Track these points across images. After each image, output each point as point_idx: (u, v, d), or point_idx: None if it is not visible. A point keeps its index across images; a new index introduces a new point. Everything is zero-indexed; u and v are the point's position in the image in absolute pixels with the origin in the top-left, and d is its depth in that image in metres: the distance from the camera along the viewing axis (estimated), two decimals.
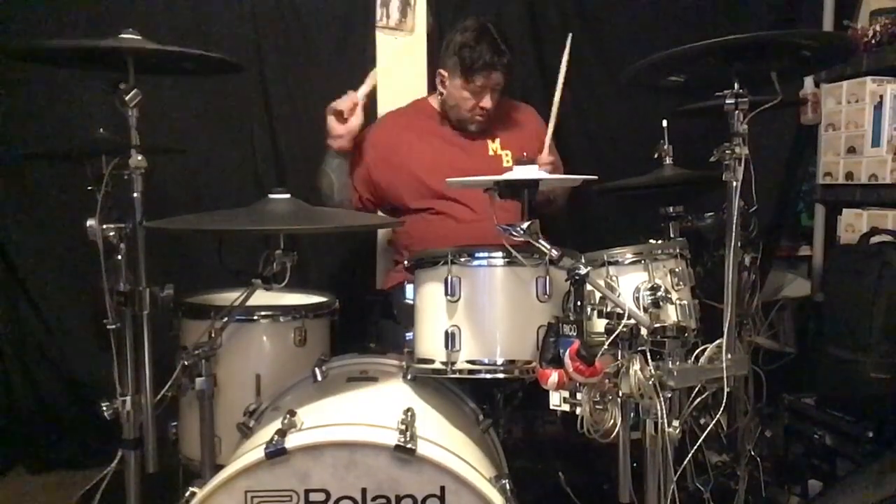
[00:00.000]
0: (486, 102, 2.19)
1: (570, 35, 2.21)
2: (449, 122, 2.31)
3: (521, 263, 1.46)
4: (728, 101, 1.47)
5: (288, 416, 1.37)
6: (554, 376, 1.33)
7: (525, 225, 1.39)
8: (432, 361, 1.52)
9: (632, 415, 1.44)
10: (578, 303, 1.36)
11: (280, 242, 1.51)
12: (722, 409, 1.47)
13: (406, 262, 1.63)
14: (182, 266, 2.50)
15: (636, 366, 1.37)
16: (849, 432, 2.09)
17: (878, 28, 2.59)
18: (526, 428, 2.10)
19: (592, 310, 1.43)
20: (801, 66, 1.75)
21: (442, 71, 2.25)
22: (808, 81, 2.81)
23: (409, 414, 1.38)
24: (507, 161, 2.26)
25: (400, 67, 2.75)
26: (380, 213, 2.37)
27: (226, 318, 1.62)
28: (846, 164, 2.65)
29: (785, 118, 2.82)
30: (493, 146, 2.29)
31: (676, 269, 1.65)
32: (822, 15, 2.86)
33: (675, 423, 1.40)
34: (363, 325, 2.38)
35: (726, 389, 1.42)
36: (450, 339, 1.48)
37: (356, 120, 2.16)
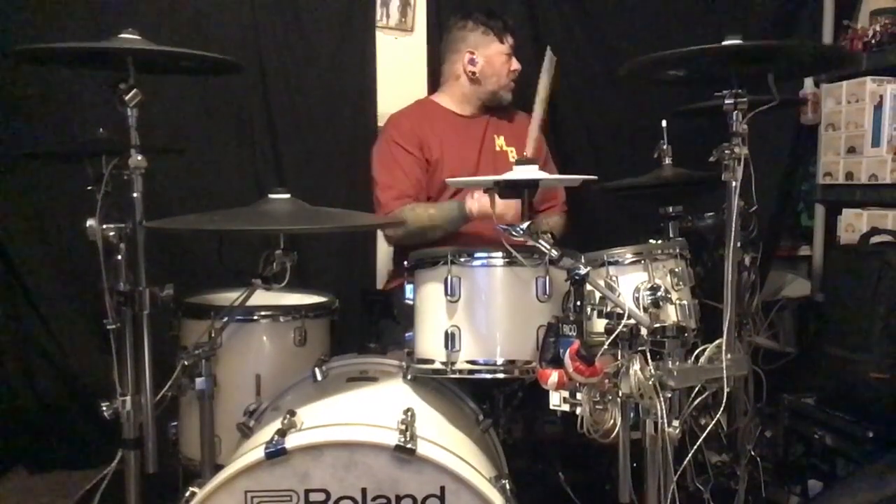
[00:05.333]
0: (517, 64, 2.34)
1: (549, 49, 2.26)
2: (461, 115, 2.37)
3: (521, 263, 1.46)
4: (727, 101, 1.47)
5: (288, 416, 1.37)
6: (554, 376, 1.33)
7: (525, 225, 1.39)
8: (432, 361, 1.52)
9: (632, 415, 1.44)
10: (578, 303, 1.36)
11: (280, 242, 1.51)
12: (722, 409, 1.47)
13: (406, 263, 1.63)
14: (182, 266, 2.51)
15: (636, 366, 1.37)
16: (849, 432, 2.09)
17: (878, 28, 2.59)
18: (526, 428, 2.09)
19: (592, 310, 1.42)
20: (800, 69, 1.76)
21: (470, 50, 2.32)
22: (808, 81, 2.81)
23: (409, 414, 1.38)
24: (513, 156, 2.33)
25: (400, 67, 2.76)
26: None
27: (226, 318, 1.63)
28: (846, 164, 2.65)
29: (785, 118, 2.82)
30: (499, 142, 2.35)
31: (676, 269, 1.65)
32: (822, 15, 2.86)
33: (675, 423, 1.39)
34: (363, 325, 2.39)
35: (726, 389, 1.42)
36: (450, 339, 1.48)
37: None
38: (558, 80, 2.29)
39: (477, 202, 2.07)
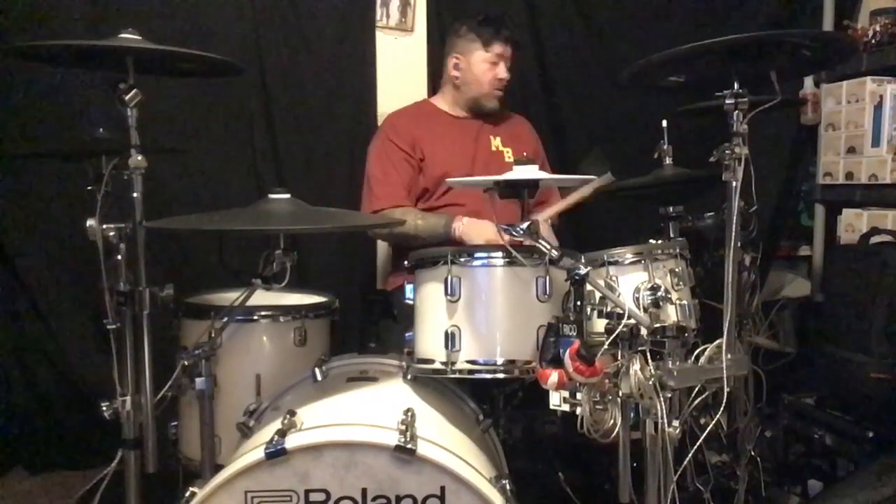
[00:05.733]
0: (503, 73, 2.31)
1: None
2: (456, 117, 2.38)
3: (521, 263, 1.46)
4: (728, 101, 1.47)
5: (288, 416, 1.37)
6: (554, 376, 1.33)
7: (525, 225, 1.39)
8: (432, 361, 1.52)
9: (632, 415, 1.44)
10: (578, 303, 1.36)
11: (280, 242, 1.51)
12: (722, 409, 1.46)
13: (406, 262, 1.63)
14: (182, 266, 2.51)
15: (636, 366, 1.38)
16: (849, 432, 2.09)
17: (878, 28, 2.59)
18: (526, 428, 2.10)
19: (592, 310, 1.42)
20: (801, 66, 1.76)
21: (456, 55, 2.34)
22: (808, 81, 2.81)
23: (409, 414, 1.38)
24: (509, 157, 2.35)
25: (400, 67, 2.76)
26: None
27: (226, 318, 1.62)
28: (846, 164, 2.65)
29: (785, 118, 2.82)
30: (496, 143, 2.35)
31: (676, 269, 1.65)
32: (822, 15, 2.86)
33: (675, 423, 1.40)
34: (363, 325, 2.39)
35: (726, 389, 1.42)
36: (450, 339, 1.48)
37: None
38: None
39: (465, 228, 2.11)
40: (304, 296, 2.00)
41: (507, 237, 1.43)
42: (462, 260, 1.49)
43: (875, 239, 2.32)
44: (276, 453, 1.26)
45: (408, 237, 2.16)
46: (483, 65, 2.30)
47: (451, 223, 2.13)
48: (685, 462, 1.48)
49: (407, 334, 1.65)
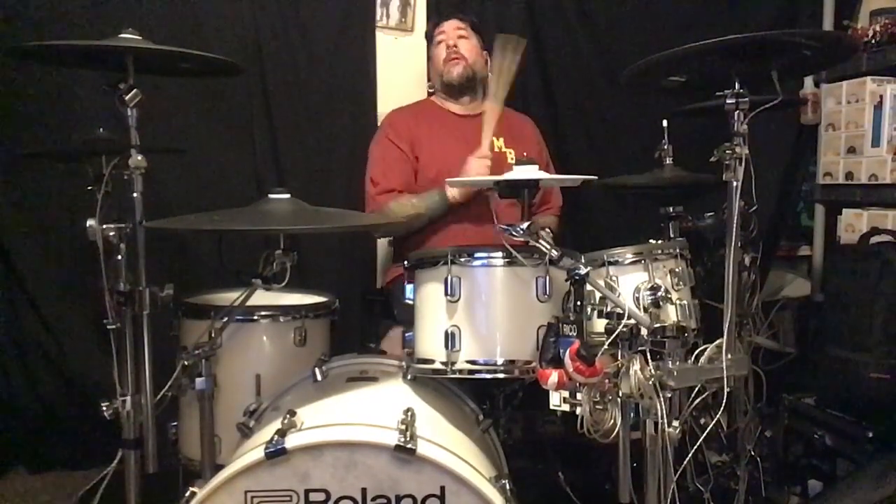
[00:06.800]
0: (450, 41, 2.39)
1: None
2: (458, 115, 2.40)
3: (521, 263, 1.46)
4: (728, 101, 1.47)
5: (288, 416, 1.37)
6: (554, 376, 1.33)
7: (525, 225, 1.39)
8: (432, 361, 1.52)
9: (632, 415, 1.44)
10: (578, 303, 1.36)
11: (280, 242, 1.51)
12: (722, 409, 1.47)
13: (406, 263, 1.63)
14: (182, 266, 2.50)
15: (636, 366, 1.38)
16: (849, 432, 2.09)
17: (878, 28, 2.59)
18: (526, 428, 2.10)
19: (592, 310, 1.43)
20: (802, 66, 1.76)
21: (429, 61, 2.48)
22: (808, 81, 2.81)
23: (409, 414, 1.38)
24: (511, 158, 2.35)
25: (400, 67, 2.76)
26: None
27: (226, 318, 1.62)
28: (846, 164, 2.65)
29: (785, 118, 2.82)
30: (498, 143, 2.36)
31: (676, 269, 1.65)
32: (822, 15, 2.86)
33: (675, 423, 1.40)
34: (363, 325, 2.39)
35: (726, 389, 1.42)
36: (450, 339, 1.48)
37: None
38: (520, 64, 2.15)
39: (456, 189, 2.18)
40: (304, 296, 2.00)
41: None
42: (462, 260, 1.49)
43: (875, 239, 2.32)
44: (276, 453, 1.26)
45: (411, 220, 2.19)
46: (437, 49, 2.42)
47: (444, 190, 2.19)
48: (685, 462, 1.49)
49: (407, 334, 1.65)
